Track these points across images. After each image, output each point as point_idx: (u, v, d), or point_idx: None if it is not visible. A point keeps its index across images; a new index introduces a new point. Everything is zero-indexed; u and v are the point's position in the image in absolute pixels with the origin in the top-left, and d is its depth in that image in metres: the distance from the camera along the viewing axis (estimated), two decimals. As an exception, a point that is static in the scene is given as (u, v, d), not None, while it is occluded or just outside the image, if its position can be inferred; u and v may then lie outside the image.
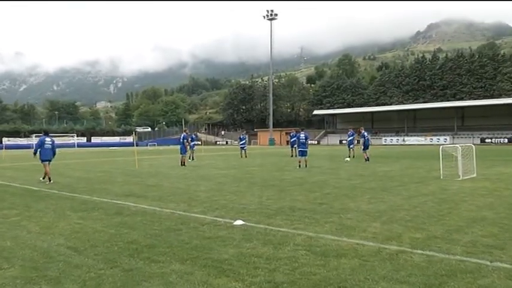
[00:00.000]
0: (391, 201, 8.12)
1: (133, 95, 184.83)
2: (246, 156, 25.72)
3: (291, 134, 26.77)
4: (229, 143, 74.89)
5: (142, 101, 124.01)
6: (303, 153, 16.97)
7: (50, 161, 12.97)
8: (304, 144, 17.16)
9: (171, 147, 51.85)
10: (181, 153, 19.79)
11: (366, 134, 20.74)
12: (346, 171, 14.92)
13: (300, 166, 16.60)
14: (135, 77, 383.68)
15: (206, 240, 5.29)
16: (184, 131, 22.17)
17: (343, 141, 45.11)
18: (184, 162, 19.29)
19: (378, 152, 29.30)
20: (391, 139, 59.30)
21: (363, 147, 20.25)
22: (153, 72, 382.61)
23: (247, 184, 11.49)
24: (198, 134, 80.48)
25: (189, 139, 20.95)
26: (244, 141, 27.14)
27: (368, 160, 19.31)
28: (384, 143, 56.79)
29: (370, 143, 20.89)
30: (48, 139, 13.12)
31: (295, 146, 20.97)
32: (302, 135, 17.39)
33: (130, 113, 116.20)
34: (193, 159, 23.27)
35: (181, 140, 20.42)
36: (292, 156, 24.07)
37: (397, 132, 62.66)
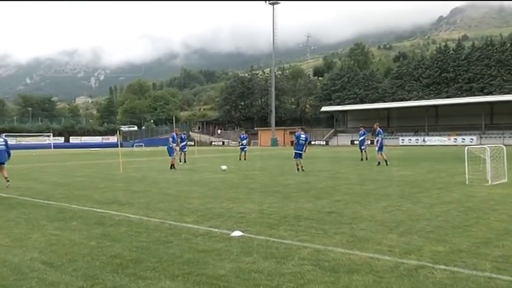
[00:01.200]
0: (409, 209, 8.12)
1: (118, 89, 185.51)
2: (245, 159, 25.83)
3: (296, 134, 26.72)
4: (226, 143, 75.03)
5: (127, 96, 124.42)
6: (300, 156, 17.07)
7: (3, 163, 13.15)
8: (302, 146, 17.24)
9: (160, 148, 51.87)
10: (169, 155, 19.88)
11: (382, 131, 20.45)
12: (359, 176, 14.95)
13: (298, 169, 16.72)
14: (119, 69, 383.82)
15: (200, 254, 5.29)
16: (173, 131, 22.22)
17: (355, 142, 45.15)
18: (173, 165, 19.37)
19: (395, 154, 29.33)
20: (410, 139, 59.36)
21: (378, 147, 19.88)
22: (139, 63, 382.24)
23: (247, 190, 11.51)
24: (191, 133, 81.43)
25: (171, 139, 20.79)
26: (245, 141, 27.21)
27: (387, 163, 19.15)
28: (401, 144, 56.88)
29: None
30: (1, 139, 13.27)
31: None
32: (303, 136, 17.48)
33: (114, 109, 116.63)
34: (185, 161, 23.38)
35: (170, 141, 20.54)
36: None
37: (417, 131, 62.74)
